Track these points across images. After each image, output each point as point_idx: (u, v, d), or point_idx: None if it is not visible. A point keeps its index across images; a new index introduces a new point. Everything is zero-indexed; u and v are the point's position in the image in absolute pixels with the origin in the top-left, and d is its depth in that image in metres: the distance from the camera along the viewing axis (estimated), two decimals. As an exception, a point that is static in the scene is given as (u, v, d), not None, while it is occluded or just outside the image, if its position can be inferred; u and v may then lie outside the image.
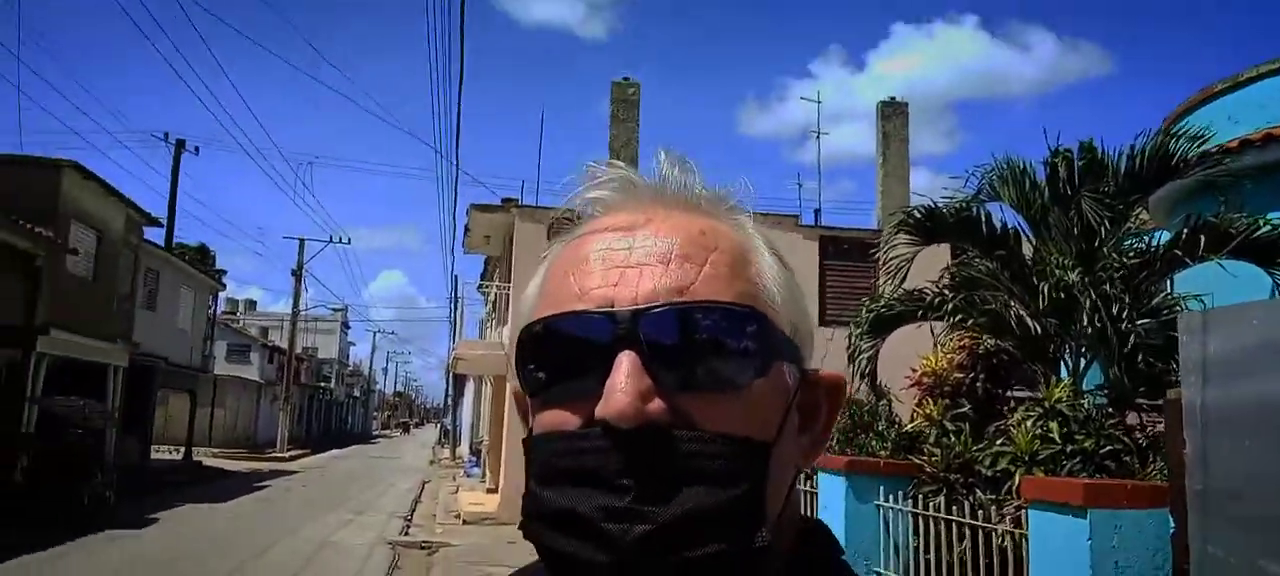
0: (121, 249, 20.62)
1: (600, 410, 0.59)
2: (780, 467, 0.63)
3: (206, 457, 31.30)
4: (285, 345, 42.55)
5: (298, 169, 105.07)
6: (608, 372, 0.59)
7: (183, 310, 27.45)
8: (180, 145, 30.31)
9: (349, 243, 44.50)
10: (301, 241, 40.20)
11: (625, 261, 0.63)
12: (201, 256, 34.16)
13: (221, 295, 37.43)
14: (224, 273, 33.96)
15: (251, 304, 62.32)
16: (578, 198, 0.72)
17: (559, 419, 0.62)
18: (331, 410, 64.45)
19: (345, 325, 70.45)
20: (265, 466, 31.16)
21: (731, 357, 0.61)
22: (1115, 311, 6.76)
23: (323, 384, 59.70)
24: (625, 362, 0.59)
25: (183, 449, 29.32)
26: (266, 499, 19.97)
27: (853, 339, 8.41)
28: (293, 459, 36.41)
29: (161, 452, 28.53)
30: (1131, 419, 7.29)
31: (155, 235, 24.95)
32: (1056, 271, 6.93)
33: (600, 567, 0.58)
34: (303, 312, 42.52)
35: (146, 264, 23.54)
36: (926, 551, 6.05)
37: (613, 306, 0.61)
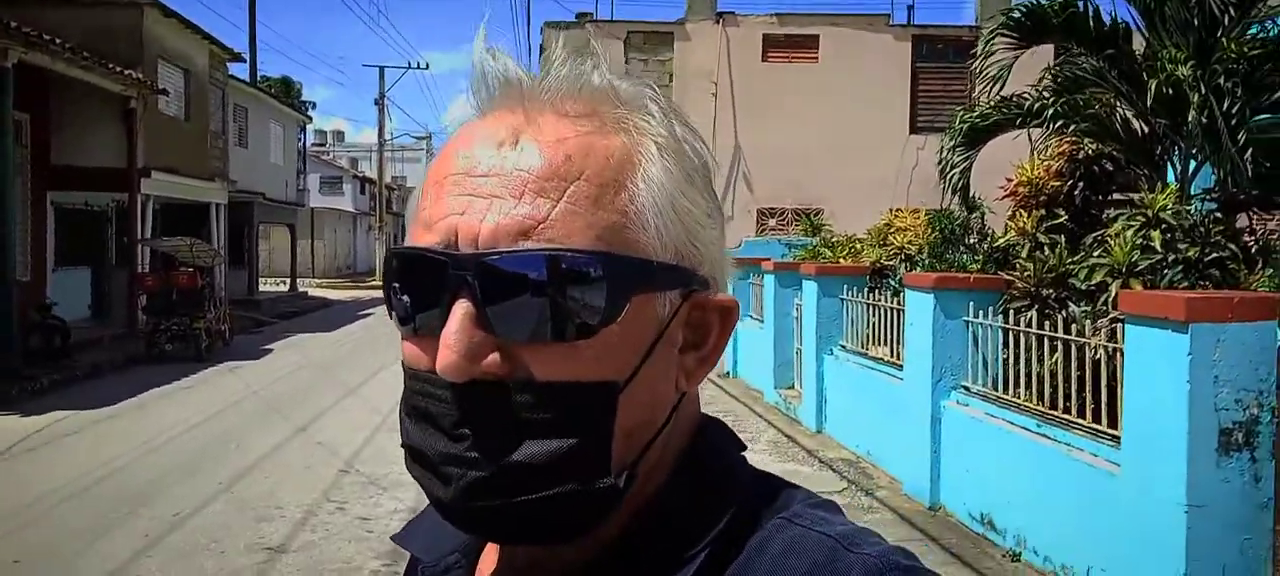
0: (209, 86, 21.02)
1: (436, 361, 0.58)
2: (639, 400, 0.61)
3: (311, 288, 32.83)
4: (375, 175, 43.47)
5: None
6: (449, 316, 0.58)
7: (274, 145, 28.12)
8: (255, -24, 30.24)
9: (427, 68, 44.56)
10: (381, 70, 40.29)
11: (476, 190, 0.60)
12: (286, 90, 34.77)
13: (309, 128, 38.12)
14: (311, 105, 34.51)
15: (339, 135, 63.53)
16: (460, 105, 0.68)
17: (415, 355, 0.62)
18: (424, 235, 66.21)
19: (430, 152, 71.46)
20: (365, 294, 32.48)
21: (576, 305, 0.58)
22: (1227, 106, 6.29)
23: (414, 210, 61.12)
24: (458, 315, 0.58)
25: (288, 281, 30.73)
26: (369, 325, 20.92)
27: (944, 153, 8.07)
28: (391, 284, 37.79)
29: (268, 285, 29.97)
30: (1242, 222, 6.92)
31: (239, 71, 25.35)
32: (1167, 65, 6.44)
33: (442, 505, 0.61)
34: (388, 142, 43.14)
35: (234, 100, 24.02)
36: (1016, 365, 5.97)
37: (456, 240, 0.59)
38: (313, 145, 44.03)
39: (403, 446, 0.64)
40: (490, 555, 0.71)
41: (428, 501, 0.66)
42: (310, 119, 35.03)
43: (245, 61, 26.00)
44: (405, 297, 0.62)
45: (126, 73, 15.79)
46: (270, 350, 16.10)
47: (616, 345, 0.60)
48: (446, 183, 0.61)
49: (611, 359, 0.59)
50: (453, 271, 0.58)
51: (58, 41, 13.50)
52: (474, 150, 0.61)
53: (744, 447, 0.70)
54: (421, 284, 0.61)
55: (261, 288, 27.60)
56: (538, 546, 0.64)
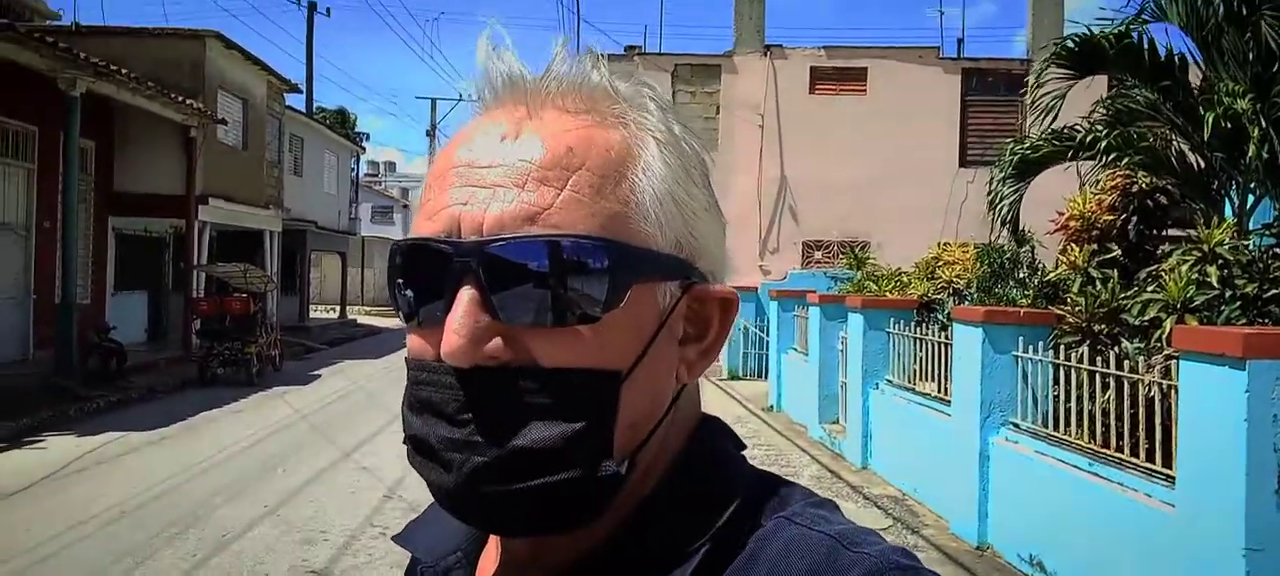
0: (266, 117, 21.55)
1: (440, 348, 0.59)
2: (641, 390, 0.62)
3: (360, 315, 33.29)
4: (425, 205, 44.04)
5: (425, 26, 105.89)
6: (453, 304, 0.59)
7: (328, 174, 28.67)
8: (313, 7, 31.00)
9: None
10: (433, 101, 40.94)
11: (480, 181, 0.61)
12: (341, 120, 35.42)
13: (363, 158, 38.82)
14: (366, 137, 35.15)
15: (391, 165, 64.56)
16: (468, 88, 0.69)
17: (420, 346, 0.63)
18: (472, 266, 67.10)
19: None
20: (414, 321, 32.79)
21: (579, 291, 0.59)
22: (1289, 141, 6.13)
23: (463, 241, 61.92)
24: (464, 300, 0.58)
25: (338, 308, 31.20)
26: (415, 351, 21.09)
27: (994, 184, 7.97)
28: (438, 313, 38.25)
29: (318, 312, 30.46)
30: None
31: (295, 101, 25.93)
32: (1225, 99, 6.31)
33: (444, 492, 0.61)
34: (439, 172, 43.66)
35: (291, 130, 24.56)
36: (1067, 402, 5.83)
37: (459, 229, 0.60)
38: (365, 175, 44.86)
39: (405, 439, 0.64)
40: (491, 553, 0.71)
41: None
42: (364, 149, 35.69)
43: (302, 92, 26.66)
44: (408, 292, 0.63)
45: (188, 102, 16.26)
46: (319, 376, 16.32)
47: (619, 333, 0.60)
48: (449, 175, 0.62)
49: (614, 347, 0.60)
50: (456, 259, 0.59)
51: (124, 72, 13.97)
52: (476, 143, 0.63)
53: (743, 446, 0.70)
54: (425, 275, 0.61)
55: (312, 314, 28.05)
56: (538, 537, 0.64)
